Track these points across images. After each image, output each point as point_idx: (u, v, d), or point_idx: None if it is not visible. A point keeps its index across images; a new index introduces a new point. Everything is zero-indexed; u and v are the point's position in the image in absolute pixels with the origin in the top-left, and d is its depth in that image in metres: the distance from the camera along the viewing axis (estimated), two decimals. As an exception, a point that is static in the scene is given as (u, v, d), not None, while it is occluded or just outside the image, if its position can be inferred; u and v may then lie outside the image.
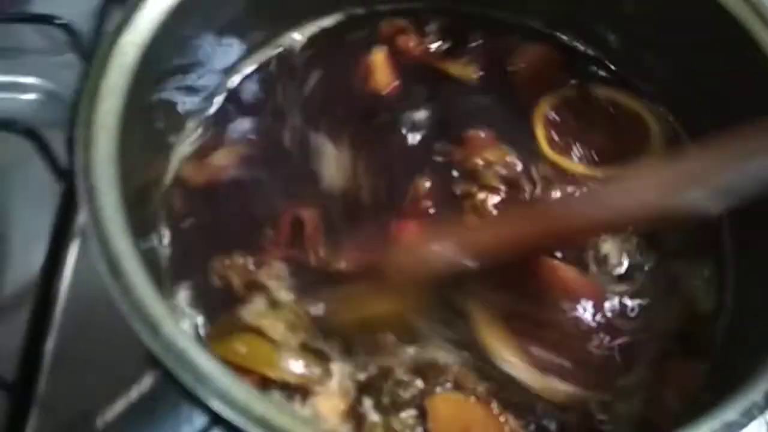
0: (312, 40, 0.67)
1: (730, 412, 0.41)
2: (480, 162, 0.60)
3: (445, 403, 0.50)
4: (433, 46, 0.67)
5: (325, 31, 0.68)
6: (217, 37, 0.61)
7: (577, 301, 0.55)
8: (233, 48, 0.64)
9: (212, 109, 0.63)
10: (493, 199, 0.59)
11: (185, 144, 0.60)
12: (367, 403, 0.50)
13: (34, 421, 0.59)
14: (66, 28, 0.72)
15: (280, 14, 0.65)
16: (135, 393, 0.37)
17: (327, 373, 0.50)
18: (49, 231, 0.65)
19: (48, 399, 0.59)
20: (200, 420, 0.36)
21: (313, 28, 0.67)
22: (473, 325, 0.53)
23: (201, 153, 0.60)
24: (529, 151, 0.62)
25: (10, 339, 0.61)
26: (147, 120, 0.55)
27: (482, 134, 0.62)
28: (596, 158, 0.62)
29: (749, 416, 0.40)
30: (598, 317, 0.55)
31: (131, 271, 0.40)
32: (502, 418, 0.50)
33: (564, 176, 0.61)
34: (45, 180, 0.68)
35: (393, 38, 0.67)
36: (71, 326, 0.63)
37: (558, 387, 0.52)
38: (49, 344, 0.62)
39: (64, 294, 0.64)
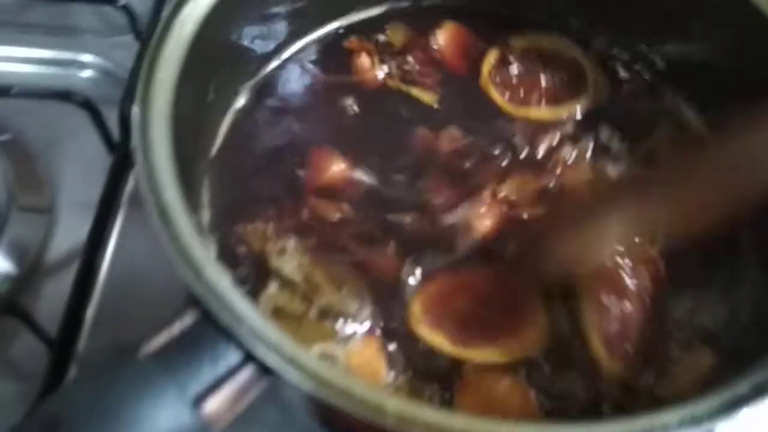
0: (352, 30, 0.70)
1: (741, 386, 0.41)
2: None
3: (476, 374, 0.52)
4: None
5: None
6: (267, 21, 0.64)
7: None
8: (280, 31, 0.67)
9: (261, 79, 0.66)
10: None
11: (233, 111, 0.63)
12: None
13: (72, 376, 0.61)
14: (125, 9, 0.76)
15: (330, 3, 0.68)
16: (177, 329, 0.39)
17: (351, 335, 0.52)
18: (98, 201, 0.68)
19: (87, 356, 0.62)
20: (235, 356, 0.39)
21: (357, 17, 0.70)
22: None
23: (247, 120, 0.63)
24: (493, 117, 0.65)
25: (56, 301, 0.65)
26: (201, 85, 0.58)
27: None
28: (553, 101, 0.66)
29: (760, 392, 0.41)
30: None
31: (179, 220, 0.43)
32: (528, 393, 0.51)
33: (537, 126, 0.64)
34: (96, 152, 0.72)
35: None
36: (112, 292, 0.66)
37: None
38: (91, 307, 0.65)
39: (108, 261, 0.67)
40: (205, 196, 0.59)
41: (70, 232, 0.69)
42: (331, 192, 0.60)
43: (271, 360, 0.38)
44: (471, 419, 0.39)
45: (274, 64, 0.67)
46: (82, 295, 0.64)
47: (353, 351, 0.51)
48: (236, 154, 0.62)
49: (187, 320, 0.39)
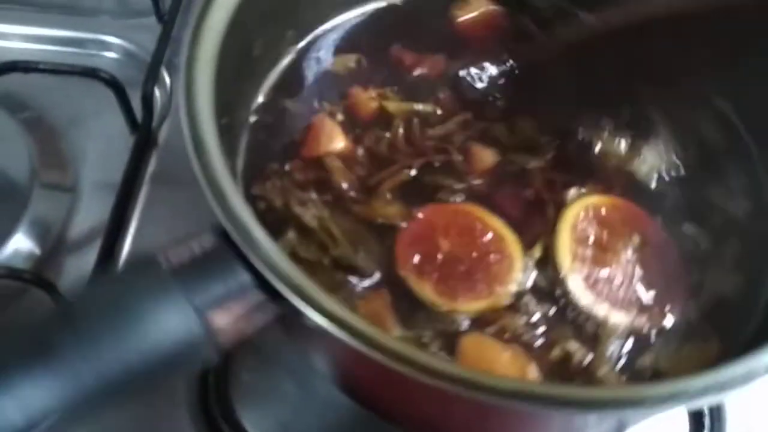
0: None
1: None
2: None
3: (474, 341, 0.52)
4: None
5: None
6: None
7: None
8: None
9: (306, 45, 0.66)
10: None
11: (276, 71, 0.63)
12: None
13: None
14: (151, -7, 0.76)
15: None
16: (196, 246, 0.42)
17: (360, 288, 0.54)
18: (120, 180, 0.68)
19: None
20: (246, 278, 0.41)
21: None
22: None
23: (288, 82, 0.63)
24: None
25: (78, 278, 0.65)
26: (247, 40, 0.58)
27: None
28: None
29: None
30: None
31: (212, 151, 0.44)
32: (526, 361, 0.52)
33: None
34: (118, 131, 0.72)
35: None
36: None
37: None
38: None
39: (130, 239, 0.67)
40: (242, 143, 0.60)
41: (92, 211, 0.70)
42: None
43: (279, 286, 0.40)
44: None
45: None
46: (104, 273, 0.65)
47: (360, 303, 0.53)
48: (276, 112, 0.62)
49: (206, 240, 0.42)
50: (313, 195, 0.57)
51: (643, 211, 0.58)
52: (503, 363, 0.51)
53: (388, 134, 0.61)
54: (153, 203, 0.70)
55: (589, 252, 0.56)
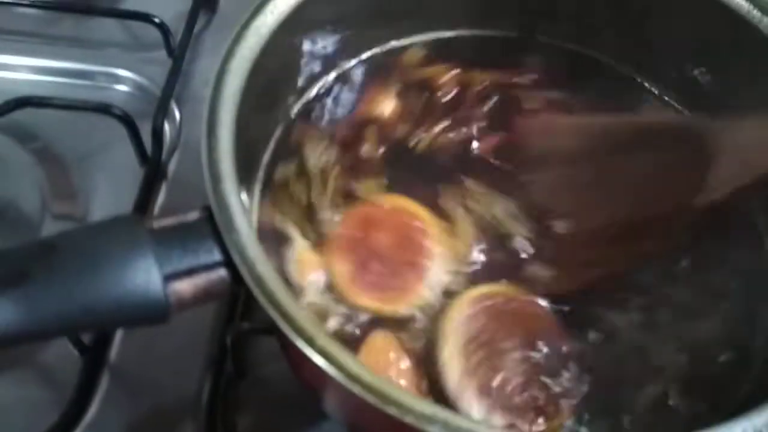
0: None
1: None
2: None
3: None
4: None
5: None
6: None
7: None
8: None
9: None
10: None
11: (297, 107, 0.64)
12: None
13: (104, 382, 0.62)
14: (161, 26, 0.78)
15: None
16: (181, 218, 0.45)
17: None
18: (130, 210, 0.69)
19: (118, 363, 0.63)
20: (217, 256, 0.43)
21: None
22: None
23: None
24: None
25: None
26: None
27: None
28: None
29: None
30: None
31: (223, 140, 0.46)
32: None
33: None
34: (128, 163, 0.73)
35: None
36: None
37: None
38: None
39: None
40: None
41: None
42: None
43: (243, 271, 0.42)
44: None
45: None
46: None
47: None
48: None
49: (192, 214, 0.45)
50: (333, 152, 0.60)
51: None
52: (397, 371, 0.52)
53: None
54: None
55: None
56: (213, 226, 0.43)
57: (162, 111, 0.73)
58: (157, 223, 0.44)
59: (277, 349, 0.53)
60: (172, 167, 0.74)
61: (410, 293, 0.54)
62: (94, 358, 0.62)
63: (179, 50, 0.79)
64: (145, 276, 0.41)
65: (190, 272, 0.42)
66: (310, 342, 0.40)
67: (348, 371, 0.39)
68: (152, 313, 0.42)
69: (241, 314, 0.65)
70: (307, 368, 0.42)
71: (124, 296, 0.41)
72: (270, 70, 0.52)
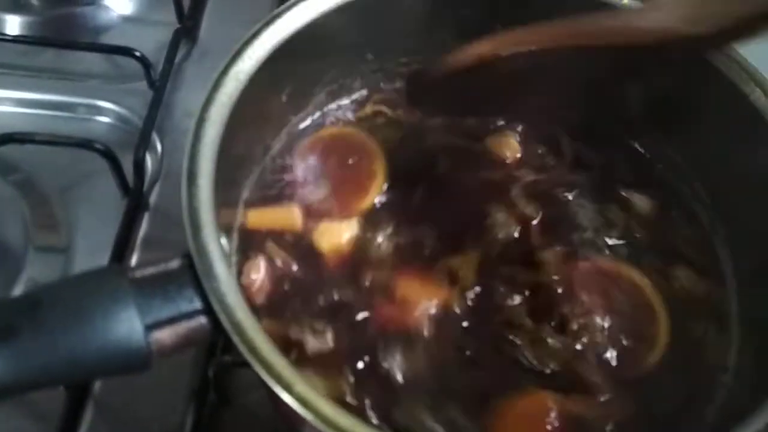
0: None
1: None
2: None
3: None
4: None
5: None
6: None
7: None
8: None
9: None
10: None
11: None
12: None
13: (89, 415, 0.63)
14: (142, 60, 0.78)
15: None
16: (162, 266, 0.45)
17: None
18: (112, 243, 0.69)
19: (103, 396, 0.63)
20: (197, 304, 0.44)
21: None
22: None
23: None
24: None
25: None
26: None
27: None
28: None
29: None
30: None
31: (203, 183, 0.47)
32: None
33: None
34: (110, 194, 0.74)
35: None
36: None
37: None
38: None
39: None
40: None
41: (86, 272, 0.70)
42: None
43: (222, 318, 0.43)
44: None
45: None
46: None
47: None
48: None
49: (174, 263, 0.45)
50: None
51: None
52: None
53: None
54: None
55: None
56: (193, 273, 0.44)
57: (143, 143, 0.74)
58: (139, 273, 0.44)
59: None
60: (153, 198, 0.75)
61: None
62: (78, 391, 0.63)
63: (160, 81, 0.79)
64: (128, 327, 0.42)
65: (171, 321, 0.43)
66: (288, 389, 0.41)
67: (324, 417, 0.40)
68: (134, 362, 0.43)
69: (223, 347, 0.66)
70: (284, 408, 0.43)
71: (108, 348, 0.42)
72: (249, 117, 0.53)
